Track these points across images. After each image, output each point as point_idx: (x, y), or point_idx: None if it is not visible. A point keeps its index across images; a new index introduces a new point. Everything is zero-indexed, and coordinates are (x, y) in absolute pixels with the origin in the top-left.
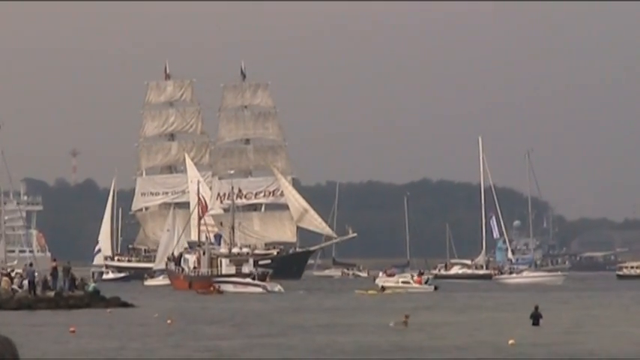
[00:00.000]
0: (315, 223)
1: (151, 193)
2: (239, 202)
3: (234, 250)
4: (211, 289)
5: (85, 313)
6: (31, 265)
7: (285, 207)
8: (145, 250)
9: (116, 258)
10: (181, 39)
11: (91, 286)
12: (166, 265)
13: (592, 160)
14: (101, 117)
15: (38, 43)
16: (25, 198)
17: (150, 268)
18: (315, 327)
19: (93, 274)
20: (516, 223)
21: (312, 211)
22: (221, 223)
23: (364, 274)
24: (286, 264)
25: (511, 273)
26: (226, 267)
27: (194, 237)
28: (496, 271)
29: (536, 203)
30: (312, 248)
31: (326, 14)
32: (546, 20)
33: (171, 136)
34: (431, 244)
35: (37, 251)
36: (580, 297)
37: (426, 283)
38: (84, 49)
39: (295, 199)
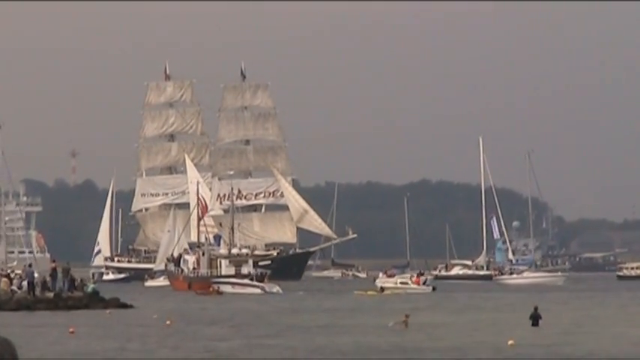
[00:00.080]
0: (315, 223)
1: (151, 194)
2: (239, 202)
3: (234, 251)
4: (211, 290)
5: (84, 314)
6: (30, 266)
7: (285, 208)
8: (145, 250)
9: (116, 259)
10: (181, 39)
11: (90, 287)
12: (165, 266)
13: (591, 161)
14: (101, 118)
15: (38, 43)
16: (25, 199)
17: (150, 269)
18: (315, 328)
19: (93, 274)
20: (515, 223)
21: (312, 212)
22: (220, 224)
23: (363, 275)
24: (286, 265)
25: (511, 274)
26: (226, 268)
27: (194, 238)
28: (497, 272)
29: (536, 204)
30: (312, 249)
31: (326, 14)
32: (546, 20)
33: (171, 137)
34: (430, 244)
35: (37, 252)
36: (580, 298)
37: (424, 283)
38: (84, 49)
39: (295, 200)
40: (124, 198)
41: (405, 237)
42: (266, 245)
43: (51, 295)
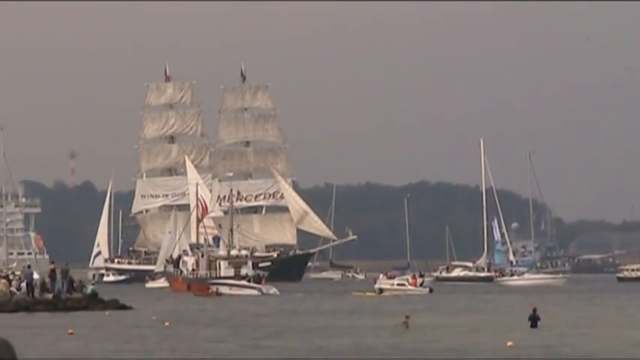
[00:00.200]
0: (316, 225)
1: (151, 196)
2: (239, 204)
3: (233, 252)
4: (210, 291)
5: (83, 316)
6: (29, 267)
7: (285, 209)
8: (145, 252)
9: (116, 260)
10: (181, 41)
11: (89, 288)
12: (165, 267)
13: (590, 162)
14: (100, 119)
15: (38, 43)
16: (24, 200)
17: (150, 271)
18: (313, 329)
19: (94, 276)
20: (514, 225)
21: (312, 214)
22: (220, 226)
23: (361, 277)
24: (286, 266)
25: (512, 275)
26: (225, 269)
27: (193, 239)
28: (497, 274)
29: (535, 205)
30: (312, 250)
31: (325, 14)
32: (546, 20)
33: (171, 139)
34: (430, 246)
35: (36, 253)
36: (579, 299)
37: (421, 285)
38: (84, 49)
39: (295, 202)
40: (124, 199)
41: (405, 238)
42: (266, 247)
43: (50, 296)
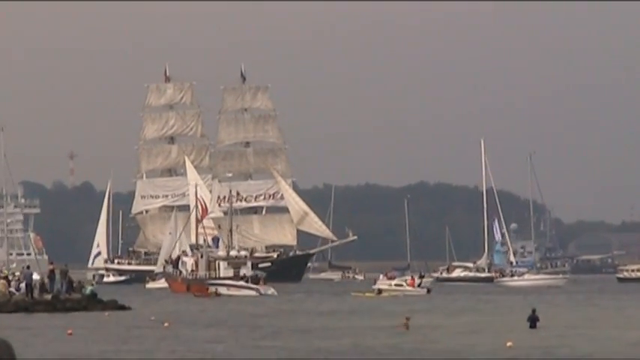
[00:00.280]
0: (316, 226)
1: (151, 196)
2: (239, 205)
3: (232, 253)
4: (209, 292)
5: (82, 316)
6: (28, 267)
7: (285, 210)
8: (144, 253)
9: (116, 261)
10: (181, 41)
11: (89, 288)
12: (164, 268)
13: (589, 163)
14: (99, 119)
15: (38, 43)
16: (23, 201)
17: (150, 271)
18: (312, 329)
19: (94, 276)
20: (513, 225)
21: (312, 214)
22: (219, 226)
23: (360, 277)
24: (286, 267)
25: (512, 276)
26: (224, 270)
27: (193, 240)
28: (498, 274)
29: (535, 206)
30: (312, 251)
31: (325, 15)
32: (546, 20)
33: (172, 139)
34: (429, 246)
35: (35, 254)
36: (579, 300)
37: (419, 285)
38: (84, 49)
39: (295, 202)
40: (123, 200)
41: (404, 239)
42: (266, 247)
43: (49, 297)
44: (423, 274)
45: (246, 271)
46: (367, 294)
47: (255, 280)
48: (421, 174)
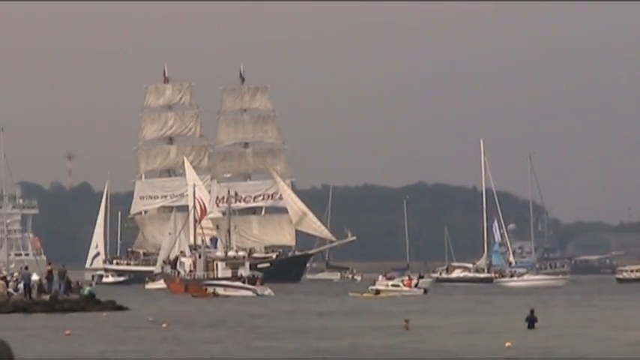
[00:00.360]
0: (314, 226)
1: (150, 197)
2: (238, 205)
3: (230, 253)
4: (207, 292)
5: (80, 317)
6: (26, 268)
7: (284, 210)
8: (143, 253)
9: (115, 261)
10: (180, 42)
11: (87, 289)
12: (162, 268)
13: (588, 163)
14: (98, 120)
15: (37, 43)
16: (21, 201)
17: (149, 272)
18: (310, 330)
19: (93, 277)
20: (511, 226)
21: (311, 215)
22: (218, 227)
23: (358, 278)
24: (285, 267)
25: (511, 276)
26: (222, 270)
27: (192, 240)
28: (497, 275)
29: (533, 206)
30: (311, 251)
31: (325, 15)
32: (546, 20)
33: (170, 140)
34: (428, 247)
35: (33, 254)
36: (577, 300)
37: (415, 286)
38: (83, 50)
39: (294, 203)
40: (122, 200)
41: (402, 239)
42: (265, 248)
43: (47, 297)
44: (422, 274)
45: (243, 271)
46: (365, 294)
47: (252, 280)
48: (420, 174)
